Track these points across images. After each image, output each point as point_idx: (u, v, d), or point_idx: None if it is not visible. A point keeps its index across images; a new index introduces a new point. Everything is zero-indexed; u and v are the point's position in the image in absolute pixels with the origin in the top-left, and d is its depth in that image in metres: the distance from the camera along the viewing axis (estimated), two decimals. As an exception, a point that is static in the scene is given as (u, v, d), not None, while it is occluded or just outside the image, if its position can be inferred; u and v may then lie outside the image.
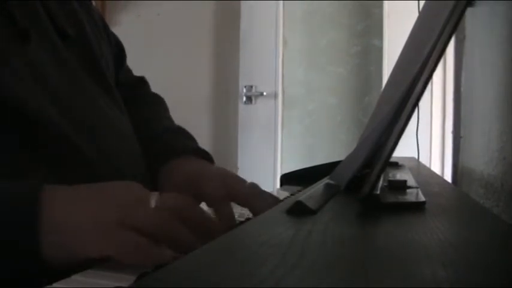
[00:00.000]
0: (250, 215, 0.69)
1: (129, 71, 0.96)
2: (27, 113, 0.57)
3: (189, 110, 2.71)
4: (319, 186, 0.56)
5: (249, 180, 0.73)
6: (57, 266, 0.46)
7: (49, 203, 0.47)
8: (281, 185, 0.96)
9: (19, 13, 0.62)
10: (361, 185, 0.45)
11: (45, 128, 0.58)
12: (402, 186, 0.54)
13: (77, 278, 0.42)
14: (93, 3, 0.85)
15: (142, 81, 0.97)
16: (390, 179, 0.56)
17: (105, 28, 0.87)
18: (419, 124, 1.63)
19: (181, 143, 0.81)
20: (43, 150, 0.58)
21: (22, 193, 0.47)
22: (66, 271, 0.43)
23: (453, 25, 0.41)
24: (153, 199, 0.49)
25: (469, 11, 1.12)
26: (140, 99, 0.91)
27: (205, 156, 0.79)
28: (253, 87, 2.66)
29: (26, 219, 0.46)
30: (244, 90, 2.66)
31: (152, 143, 0.81)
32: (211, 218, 0.54)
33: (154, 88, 0.98)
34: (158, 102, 0.94)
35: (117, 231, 0.46)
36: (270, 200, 0.66)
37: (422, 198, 0.48)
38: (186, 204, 0.52)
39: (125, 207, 0.48)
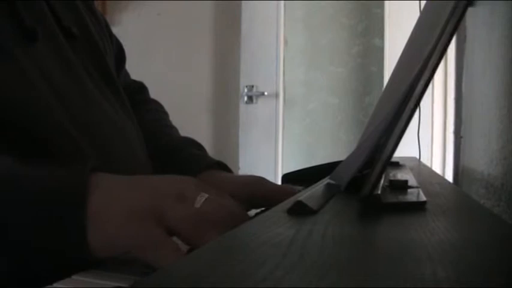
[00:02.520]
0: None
1: (127, 74, 0.96)
2: (31, 111, 0.57)
3: (189, 110, 2.72)
4: (319, 186, 0.55)
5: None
6: (100, 256, 0.46)
7: (95, 191, 0.47)
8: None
9: (26, 12, 0.62)
10: (362, 185, 0.45)
11: (48, 128, 0.58)
12: (403, 186, 0.54)
13: (77, 278, 0.42)
14: (95, 3, 0.85)
15: (141, 87, 0.97)
16: (391, 178, 0.56)
17: (108, 29, 0.88)
18: (420, 124, 1.63)
19: (206, 155, 0.84)
20: (45, 150, 0.57)
21: (70, 181, 0.47)
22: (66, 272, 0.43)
23: (454, 25, 0.41)
24: (200, 200, 0.48)
25: (470, 11, 1.11)
26: (141, 105, 0.92)
27: (227, 169, 0.83)
28: (254, 87, 2.66)
29: (73, 207, 0.45)
30: (245, 90, 2.67)
31: (170, 152, 0.83)
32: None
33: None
34: (160, 109, 0.95)
35: (147, 227, 0.46)
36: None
37: (423, 198, 0.48)
38: (229, 211, 0.51)
39: (165, 200, 0.48)
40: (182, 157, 0.82)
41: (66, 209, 0.45)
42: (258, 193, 0.75)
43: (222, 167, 0.83)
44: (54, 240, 0.45)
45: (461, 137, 1.39)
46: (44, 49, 0.63)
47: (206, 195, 0.49)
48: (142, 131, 0.82)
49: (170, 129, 0.92)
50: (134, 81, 0.97)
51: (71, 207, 0.45)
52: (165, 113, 0.96)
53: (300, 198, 0.43)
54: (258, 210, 0.74)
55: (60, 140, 0.59)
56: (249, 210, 0.76)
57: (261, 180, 0.78)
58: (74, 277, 0.42)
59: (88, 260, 0.46)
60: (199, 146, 0.87)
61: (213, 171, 0.80)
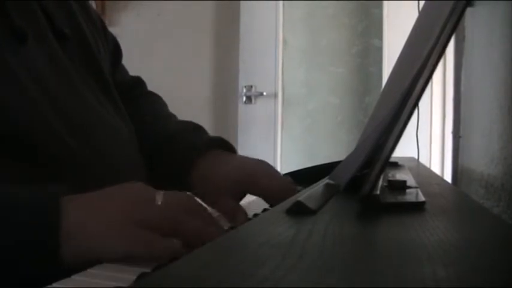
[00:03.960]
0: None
1: (125, 70, 0.96)
2: (21, 114, 0.57)
3: (189, 110, 2.70)
4: (319, 186, 0.56)
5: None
6: (79, 268, 0.47)
7: (66, 211, 0.48)
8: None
9: (16, 13, 0.61)
10: (361, 185, 0.45)
11: (41, 130, 0.58)
12: (402, 186, 0.54)
13: (77, 278, 0.42)
14: (93, 3, 0.85)
15: (139, 81, 0.97)
16: (390, 179, 0.56)
17: (104, 28, 0.87)
18: (419, 124, 1.63)
19: (206, 137, 0.83)
20: (38, 152, 0.57)
21: (42, 203, 0.48)
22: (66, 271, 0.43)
23: (453, 25, 0.41)
24: (159, 197, 0.51)
25: (469, 11, 1.12)
26: (140, 99, 0.92)
27: (230, 147, 0.82)
28: (253, 87, 2.66)
29: (47, 227, 0.46)
30: (244, 90, 2.66)
31: (171, 139, 0.82)
32: (213, 215, 0.55)
33: (154, 88, 0.98)
34: (158, 100, 0.95)
35: (131, 230, 0.48)
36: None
37: (422, 198, 0.48)
38: (190, 202, 0.54)
39: (135, 207, 0.50)
40: (180, 143, 0.81)
41: (40, 234, 0.46)
42: (250, 192, 0.77)
43: (224, 145, 0.81)
44: (29, 264, 0.46)
45: (460, 137, 1.39)
46: (34, 50, 0.63)
47: (162, 192, 0.52)
48: (140, 124, 0.82)
49: (168, 118, 0.91)
50: (132, 77, 0.97)
51: (44, 232, 0.46)
52: (164, 104, 0.95)
53: (299, 198, 0.43)
54: (258, 211, 0.74)
55: (53, 144, 0.59)
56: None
57: (255, 177, 0.75)
58: (73, 277, 0.42)
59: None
60: (196, 130, 0.85)
61: (215, 156, 0.78)
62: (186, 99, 2.76)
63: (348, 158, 0.60)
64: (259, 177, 0.75)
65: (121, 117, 0.77)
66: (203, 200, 0.76)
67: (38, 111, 0.58)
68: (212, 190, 0.76)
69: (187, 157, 0.78)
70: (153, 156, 0.81)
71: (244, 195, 0.77)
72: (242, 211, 0.73)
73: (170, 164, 0.80)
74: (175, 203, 0.52)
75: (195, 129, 0.85)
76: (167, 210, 0.51)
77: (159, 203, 0.51)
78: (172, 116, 0.92)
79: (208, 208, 0.57)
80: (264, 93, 2.64)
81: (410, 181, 0.58)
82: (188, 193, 0.57)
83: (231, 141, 0.85)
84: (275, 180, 0.76)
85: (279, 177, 0.78)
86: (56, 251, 0.46)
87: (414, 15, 1.22)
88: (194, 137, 0.82)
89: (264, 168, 0.78)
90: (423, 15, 0.67)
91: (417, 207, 0.46)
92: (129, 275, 0.43)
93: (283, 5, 2.65)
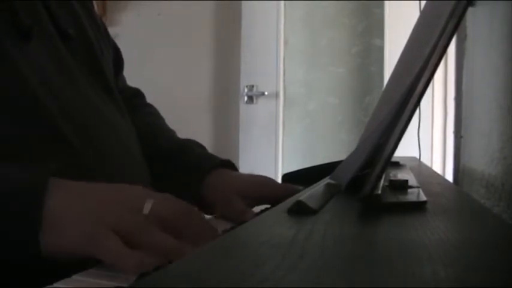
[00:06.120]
0: None
1: (124, 79, 0.97)
2: (26, 111, 0.57)
3: (190, 110, 2.72)
4: (319, 186, 0.55)
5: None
6: (52, 260, 0.47)
7: (51, 197, 0.48)
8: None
9: (23, 12, 0.62)
10: (362, 184, 0.45)
11: (43, 127, 0.58)
12: (403, 186, 0.54)
13: (77, 278, 0.42)
14: (94, 3, 0.86)
15: (139, 92, 0.98)
16: (391, 178, 0.56)
17: (107, 35, 0.88)
18: (420, 124, 1.63)
19: (216, 157, 0.86)
20: (40, 150, 0.57)
21: (26, 184, 0.48)
22: (66, 271, 0.43)
23: (454, 25, 0.41)
24: (147, 207, 0.50)
25: (470, 11, 1.11)
26: (141, 108, 0.93)
27: (234, 167, 0.86)
28: (254, 87, 2.66)
29: (29, 211, 0.47)
30: (245, 90, 2.66)
31: (177, 152, 0.85)
32: (206, 224, 0.54)
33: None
34: (157, 114, 0.96)
35: (102, 235, 0.47)
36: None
37: (423, 198, 0.48)
38: (179, 212, 0.53)
39: (116, 213, 0.49)
40: (191, 157, 0.84)
41: (21, 216, 0.47)
42: (269, 194, 0.79)
43: (229, 165, 0.85)
44: (7, 246, 0.47)
45: (461, 137, 1.39)
46: (39, 49, 0.63)
47: (152, 201, 0.50)
48: (143, 133, 0.83)
49: (171, 131, 0.94)
50: (130, 86, 0.98)
51: (25, 213, 0.47)
52: (162, 118, 0.97)
53: (300, 198, 0.43)
54: (259, 211, 0.75)
55: (53, 140, 0.59)
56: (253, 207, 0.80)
57: (272, 182, 0.81)
58: (74, 277, 0.42)
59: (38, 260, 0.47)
60: (202, 147, 0.89)
61: (222, 170, 0.82)
62: (188, 99, 2.76)
63: (348, 157, 0.60)
64: (266, 187, 0.80)
65: (123, 117, 0.77)
66: (214, 209, 0.80)
67: (42, 110, 0.58)
68: (222, 200, 0.78)
69: (201, 168, 0.81)
70: (158, 161, 0.82)
71: (252, 207, 0.80)
72: (252, 213, 0.75)
73: (180, 172, 0.82)
74: (161, 214, 0.50)
75: (202, 147, 0.90)
76: (147, 223, 0.49)
77: (146, 212, 0.50)
78: (173, 131, 0.95)
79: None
80: (266, 93, 2.64)
81: (412, 181, 0.58)
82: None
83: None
84: (281, 187, 0.81)
85: (284, 185, 0.83)
86: (34, 233, 0.46)
87: (416, 14, 1.22)
88: (205, 154, 0.86)
89: (270, 181, 0.82)
90: (424, 15, 0.67)
91: (418, 206, 0.46)
92: (129, 275, 0.43)
93: (284, 4, 2.65)
